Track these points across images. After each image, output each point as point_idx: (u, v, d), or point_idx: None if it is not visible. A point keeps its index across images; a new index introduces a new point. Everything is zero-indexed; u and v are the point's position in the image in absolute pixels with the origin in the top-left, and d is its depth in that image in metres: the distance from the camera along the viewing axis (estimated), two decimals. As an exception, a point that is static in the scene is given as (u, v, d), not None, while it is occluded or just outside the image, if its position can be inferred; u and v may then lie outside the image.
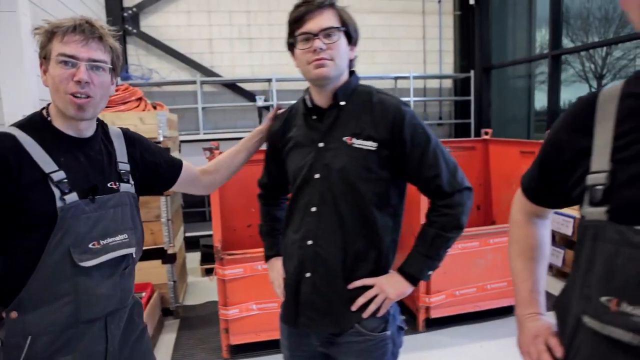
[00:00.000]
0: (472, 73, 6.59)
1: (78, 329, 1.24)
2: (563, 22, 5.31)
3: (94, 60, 1.21)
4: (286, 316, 1.49)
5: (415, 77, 6.38)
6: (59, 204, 1.18)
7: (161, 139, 3.34)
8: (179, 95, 6.04)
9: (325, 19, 1.33)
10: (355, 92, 1.43)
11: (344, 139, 1.37)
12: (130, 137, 1.45)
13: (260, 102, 5.63)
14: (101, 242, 1.26)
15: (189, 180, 1.59)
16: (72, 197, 1.20)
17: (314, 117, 1.44)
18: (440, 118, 6.98)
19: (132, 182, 1.39)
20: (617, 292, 0.76)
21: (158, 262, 3.47)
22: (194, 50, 6.04)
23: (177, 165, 1.56)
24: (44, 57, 1.21)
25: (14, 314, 1.17)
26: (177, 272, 3.65)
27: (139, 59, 5.92)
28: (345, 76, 1.42)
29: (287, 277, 1.49)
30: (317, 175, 1.40)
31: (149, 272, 3.44)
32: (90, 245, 1.23)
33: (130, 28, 5.80)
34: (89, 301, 1.24)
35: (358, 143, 1.36)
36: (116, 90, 3.55)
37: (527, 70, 6.46)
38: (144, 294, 3.17)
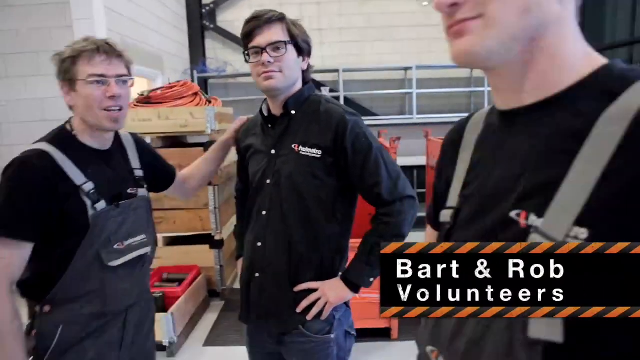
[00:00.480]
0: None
1: (103, 320, 1.38)
2: None
3: (121, 75, 1.35)
4: (240, 313, 1.57)
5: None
6: (90, 212, 1.31)
7: (209, 132, 3.57)
8: (252, 87, 6.32)
9: (273, 34, 1.38)
10: (307, 101, 1.46)
11: (292, 146, 1.42)
12: (141, 143, 1.59)
13: (325, 93, 5.70)
14: (124, 242, 1.39)
15: (178, 185, 1.75)
16: (102, 204, 1.33)
17: (269, 125, 1.50)
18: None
19: (146, 186, 1.53)
20: (437, 344, 0.72)
21: (206, 247, 3.73)
22: (267, 43, 6.26)
23: (172, 171, 1.72)
24: (69, 80, 1.32)
25: (47, 308, 1.32)
26: (226, 257, 3.89)
27: (216, 52, 6.29)
28: (297, 86, 1.46)
29: (241, 276, 1.57)
30: (268, 181, 1.46)
31: (197, 256, 3.72)
32: (115, 246, 1.37)
33: (207, 24, 6.18)
34: (114, 296, 1.38)
35: (304, 151, 1.40)
36: (174, 86, 3.84)
37: (628, 54, 5.75)
38: (188, 275, 3.45)
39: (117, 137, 1.50)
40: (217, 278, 3.79)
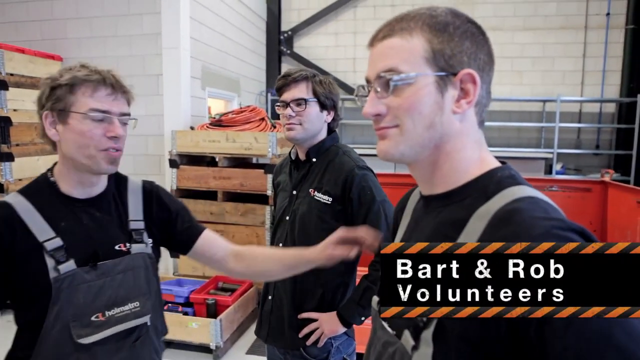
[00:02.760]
0: (638, 97, 5.73)
1: None
2: None
3: (124, 114, 1.18)
4: (256, 328, 1.81)
5: (564, 101, 5.84)
6: (52, 274, 1.09)
7: (270, 155, 3.88)
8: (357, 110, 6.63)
9: (297, 91, 1.62)
10: (327, 150, 1.67)
11: (310, 190, 1.64)
12: (149, 193, 1.33)
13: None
14: (107, 313, 1.15)
15: (207, 254, 1.37)
16: (68, 265, 1.10)
17: (295, 168, 1.74)
18: (598, 147, 6.22)
19: (149, 241, 1.27)
20: None
21: (260, 261, 4.02)
22: (339, 69, 6.55)
23: (194, 233, 1.36)
24: (60, 110, 1.12)
25: None
26: (278, 272, 4.16)
27: (290, 76, 6.68)
28: (321, 136, 1.68)
29: (261, 296, 1.81)
30: (287, 217, 1.69)
31: (251, 269, 4.02)
32: (93, 318, 1.13)
33: (284, 49, 6.59)
34: None
35: (318, 196, 1.62)
36: (244, 111, 4.22)
37: None
38: (241, 286, 3.76)
39: (117, 183, 1.30)
40: (267, 291, 4.07)
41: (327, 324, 1.60)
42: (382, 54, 0.75)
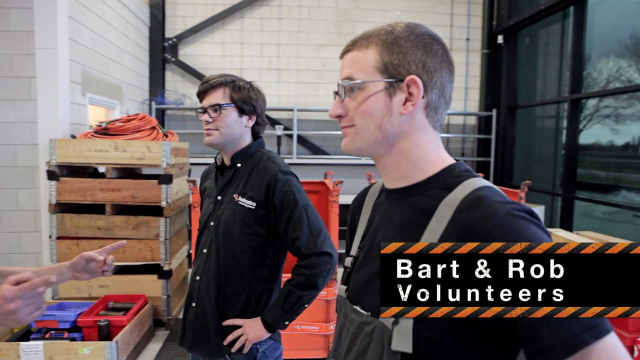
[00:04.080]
0: (494, 112, 6.60)
1: None
2: (633, 56, 5.18)
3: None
4: (179, 338, 1.75)
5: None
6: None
7: (164, 165, 3.72)
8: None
9: (214, 97, 1.63)
10: (252, 156, 1.69)
11: (234, 195, 1.64)
12: None
13: (279, 131, 5.95)
14: None
15: None
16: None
17: (220, 173, 1.72)
18: (463, 154, 7.01)
19: None
20: (337, 358, 0.94)
21: (154, 277, 3.81)
22: (226, 79, 6.49)
23: None
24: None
25: None
26: (174, 287, 3.98)
27: (175, 85, 6.45)
28: (244, 141, 1.69)
29: (184, 304, 1.75)
30: (211, 223, 1.67)
31: (145, 285, 3.80)
32: None
33: (169, 57, 6.35)
34: None
35: (242, 201, 1.62)
36: (132, 119, 3.99)
37: (555, 111, 6.38)
38: (134, 304, 3.52)
39: None
40: (163, 308, 3.87)
41: (251, 329, 1.59)
42: (344, 65, 0.88)
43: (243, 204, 1.60)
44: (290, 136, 6.33)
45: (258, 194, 1.59)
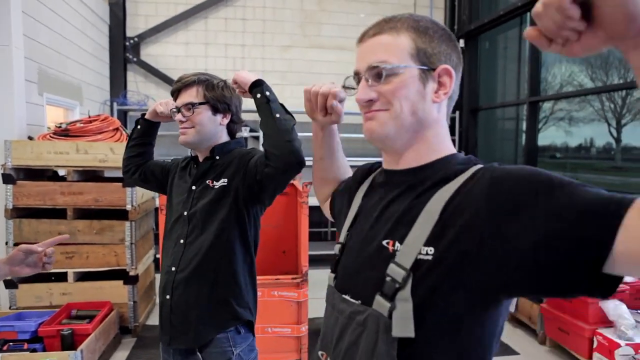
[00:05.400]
0: (457, 114, 6.76)
1: None
2: (583, 62, 5.40)
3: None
4: (160, 334, 1.70)
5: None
6: None
7: (129, 168, 3.60)
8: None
9: (186, 96, 1.62)
10: (231, 151, 1.68)
11: (207, 182, 1.63)
12: None
13: (245, 133, 5.90)
14: None
15: None
16: None
17: (195, 165, 1.71)
18: (427, 155, 7.14)
19: None
20: (326, 349, 0.93)
21: (120, 282, 3.69)
22: (191, 79, 6.37)
23: None
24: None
25: None
26: (140, 292, 3.86)
27: (137, 85, 6.27)
28: (221, 138, 1.68)
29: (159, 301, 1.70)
30: (185, 213, 1.64)
31: (111, 292, 3.67)
32: None
33: (130, 56, 6.18)
34: None
35: (215, 184, 1.61)
36: (94, 120, 3.85)
37: (515, 113, 6.61)
38: (99, 312, 3.39)
39: None
40: (130, 314, 3.75)
41: (243, 72, 1.53)
42: (373, 49, 0.85)
43: (215, 185, 1.61)
44: (257, 138, 6.27)
45: (233, 174, 1.59)
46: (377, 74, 0.83)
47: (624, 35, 0.53)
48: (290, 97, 6.58)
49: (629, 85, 4.43)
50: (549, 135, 5.95)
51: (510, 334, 3.99)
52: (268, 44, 6.56)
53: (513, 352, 3.66)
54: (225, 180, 1.60)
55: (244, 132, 5.89)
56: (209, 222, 1.59)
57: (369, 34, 0.87)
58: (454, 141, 6.89)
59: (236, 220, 1.60)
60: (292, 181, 4.05)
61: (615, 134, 5.11)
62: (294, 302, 3.23)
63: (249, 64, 6.53)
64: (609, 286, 0.64)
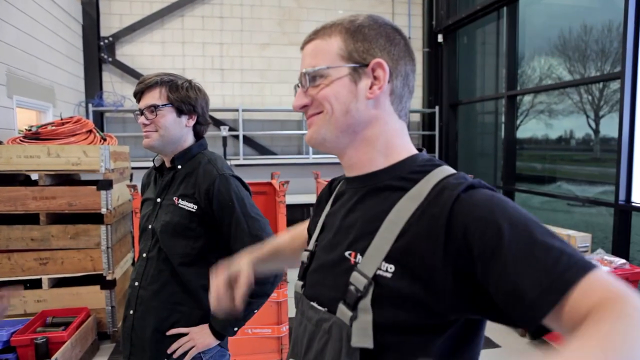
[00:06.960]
0: (436, 109, 6.78)
1: None
2: (561, 54, 5.44)
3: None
4: (121, 346, 1.66)
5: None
6: None
7: (103, 170, 3.53)
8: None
9: (149, 98, 1.54)
10: (193, 158, 1.62)
11: (174, 198, 1.57)
12: None
13: (224, 132, 5.83)
14: None
15: None
16: None
17: (159, 175, 1.66)
18: (408, 150, 7.16)
19: None
20: (296, 357, 0.91)
21: (97, 288, 3.62)
22: (168, 79, 6.27)
23: None
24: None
25: None
26: (118, 297, 3.79)
27: (113, 86, 6.17)
28: (186, 142, 1.62)
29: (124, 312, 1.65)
30: (150, 226, 1.59)
31: (87, 297, 3.60)
32: None
33: (105, 56, 6.06)
34: None
35: (182, 204, 1.55)
36: (66, 122, 3.76)
37: (494, 107, 6.65)
38: (76, 318, 3.32)
39: None
40: (108, 319, 3.68)
41: (199, 337, 1.52)
42: (306, 55, 0.86)
43: (183, 206, 1.54)
44: (236, 137, 6.22)
45: (199, 197, 1.53)
46: (310, 79, 0.83)
47: None
48: (270, 95, 6.55)
49: (605, 77, 4.48)
50: (530, 128, 6.00)
51: (491, 327, 4.02)
52: (246, 42, 6.50)
53: (495, 345, 3.68)
54: (194, 206, 1.53)
55: (223, 132, 5.83)
56: (173, 240, 1.53)
57: (306, 40, 0.87)
58: (433, 136, 6.93)
59: (203, 242, 1.55)
60: (269, 180, 4.02)
61: (594, 125, 5.18)
62: (273, 302, 3.20)
63: (227, 62, 6.46)
64: (540, 332, 0.65)
